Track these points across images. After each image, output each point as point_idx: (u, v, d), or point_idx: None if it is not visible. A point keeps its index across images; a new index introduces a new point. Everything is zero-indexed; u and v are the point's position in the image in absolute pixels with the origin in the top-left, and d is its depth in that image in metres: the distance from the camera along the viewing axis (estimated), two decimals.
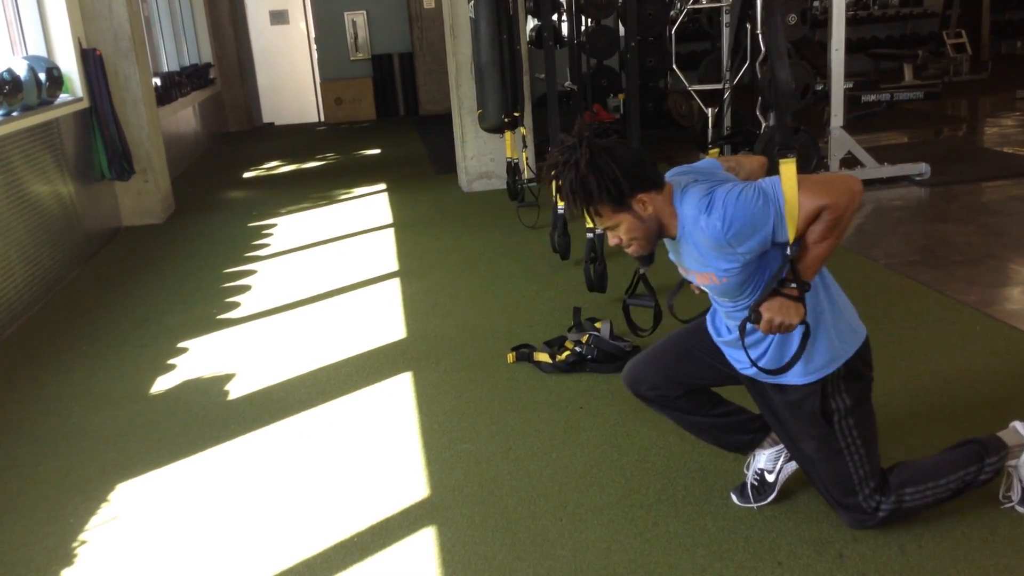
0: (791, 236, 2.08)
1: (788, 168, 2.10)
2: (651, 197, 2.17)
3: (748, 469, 2.58)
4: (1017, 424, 2.41)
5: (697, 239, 2.15)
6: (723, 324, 2.38)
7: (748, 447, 2.57)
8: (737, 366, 2.37)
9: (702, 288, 2.34)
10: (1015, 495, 2.43)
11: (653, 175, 2.19)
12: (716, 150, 2.12)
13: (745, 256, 2.12)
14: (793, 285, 2.12)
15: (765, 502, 2.54)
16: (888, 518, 2.32)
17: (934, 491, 2.31)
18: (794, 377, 2.24)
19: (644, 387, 2.50)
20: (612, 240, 2.27)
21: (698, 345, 2.47)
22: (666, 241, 2.29)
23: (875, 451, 2.32)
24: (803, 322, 2.15)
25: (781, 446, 2.51)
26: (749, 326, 2.23)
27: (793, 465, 2.52)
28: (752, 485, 2.55)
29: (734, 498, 2.58)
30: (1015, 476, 2.42)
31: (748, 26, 7.09)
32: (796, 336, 2.21)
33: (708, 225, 2.10)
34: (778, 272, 2.14)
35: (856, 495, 2.30)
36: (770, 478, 2.53)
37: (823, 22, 6.84)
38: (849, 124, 6.55)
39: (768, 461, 2.53)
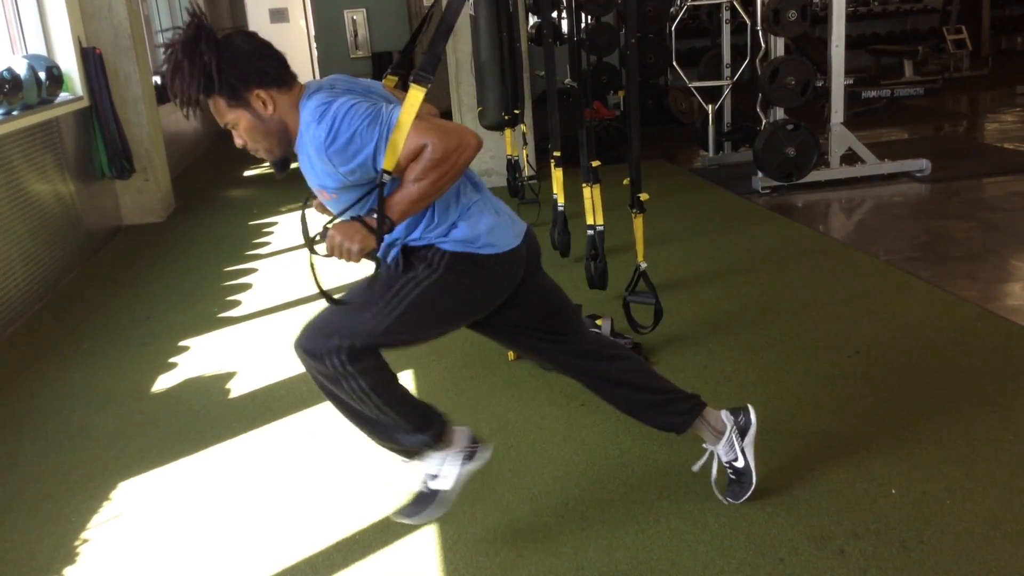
0: (388, 164, 1.93)
1: (414, 94, 1.94)
2: (272, 95, 2.00)
3: (714, 465, 2.51)
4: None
5: (308, 148, 1.99)
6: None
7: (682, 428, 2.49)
8: None
9: (324, 204, 2.20)
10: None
11: (274, 70, 2.01)
12: (394, 78, 1.93)
13: (346, 178, 1.99)
14: (375, 215, 1.98)
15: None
16: (327, 379, 2.14)
17: (362, 406, 2.17)
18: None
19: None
20: (237, 141, 2.10)
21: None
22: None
23: (396, 338, 2.13)
24: (371, 257, 2.02)
25: (726, 434, 2.43)
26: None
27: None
28: (731, 478, 2.52)
29: (728, 500, 2.52)
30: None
31: (747, 20, 7.10)
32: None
33: (315, 134, 1.94)
34: (365, 197, 2.04)
35: (330, 337, 2.09)
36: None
37: (823, 18, 6.82)
38: (849, 120, 6.54)
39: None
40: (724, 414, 2.50)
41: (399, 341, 2.18)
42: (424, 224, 2.13)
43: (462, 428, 2.35)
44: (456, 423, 2.36)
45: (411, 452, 2.30)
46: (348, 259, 2.01)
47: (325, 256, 2.05)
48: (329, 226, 2.02)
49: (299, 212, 2.17)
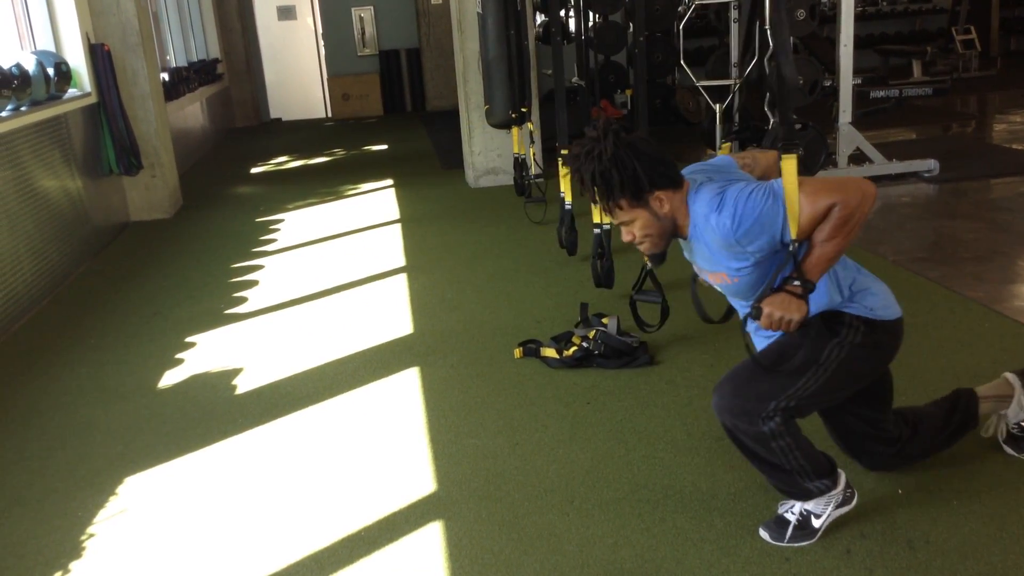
0: (793, 233, 2.08)
1: (788, 165, 2.11)
2: (669, 195, 2.18)
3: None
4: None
5: (708, 238, 2.16)
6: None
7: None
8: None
9: (714, 286, 2.34)
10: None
11: (673, 173, 2.19)
12: (727, 145, 2.13)
13: (755, 255, 2.12)
14: (797, 283, 2.11)
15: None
16: (755, 439, 2.24)
17: (787, 458, 2.25)
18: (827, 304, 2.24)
19: None
20: (626, 236, 2.27)
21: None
22: (680, 241, 2.29)
23: (820, 400, 2.29)
24: (804, 321, 2.14)
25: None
26: (751, 322, 2.22)
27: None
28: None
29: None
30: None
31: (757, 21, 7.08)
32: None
33: (719, 223, 2.10)
34: (781, 268, 2.14)
35: (771, 401, 2.21)
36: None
37: (832, 18, 6.81)
38: (858, 120, 6.53)
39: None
40: (1010, 376, 2.64)
41: (821, 403, 2.34)
42: (829, 290, 2.23)
43: (841, 471, 2.38)
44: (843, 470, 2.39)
45: (806, 494, 2.33)
46: (789, 329, 2.14)
47: (763, 328, 2.19)
48: (759, 305, 2.16)
49: (690, 293, 2.45)
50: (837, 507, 2.35)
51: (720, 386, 2.32)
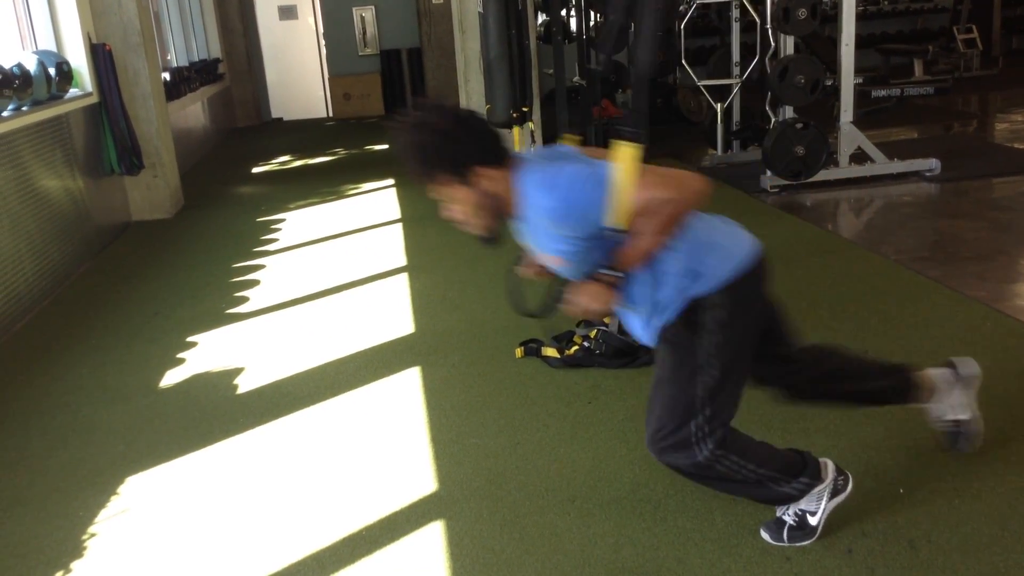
0: (620, 221, 2.04)
1: (625, 152, 2.04)
2: (491, 172, 2.09)
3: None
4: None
5: (534, 219, 2.11)
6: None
7: None
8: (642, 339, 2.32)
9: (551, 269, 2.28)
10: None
11: (497, 150, 2.11)
12: (575, 137, 2.07)
13: (577, 240, 2.08)
14: (610, 272, 2.09)
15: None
16: (699, 469, 2.20)
17: (744, 474, 2.22)
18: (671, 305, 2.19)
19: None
20: (445, 213, 2.20)
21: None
22: (517, 223, 2.22)
23: (731, 392, 2.20)
24: (607, 312, 2.13)
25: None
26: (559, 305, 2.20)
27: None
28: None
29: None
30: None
31: (756, 19, 7.08)
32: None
33: (541, 204, 2.06)
34: (600, 256, 2.11)
35: (688, 423, 2.15)
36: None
37: (833, 17, 6.81)
38: (859, 119, 6.52)
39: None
40: (940, 371, 2.58)
41: (734, 390, 2.23)
42: (677, 280, 2.14)
43: (826, 460, 2.33)
44: (818, 454, 2.35)
45: (788, 498, 2.31)
46: (592, 318, 2.11)
47: (567, 314, 2.17)
48: (563, 290, 2.13)
49: (506, 278, 2.35)
50: (831, 499, 2.32)
51: (647, 430, 2.26)
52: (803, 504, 2.32)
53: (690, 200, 2.04)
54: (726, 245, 2.19)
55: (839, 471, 2.34)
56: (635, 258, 2.09)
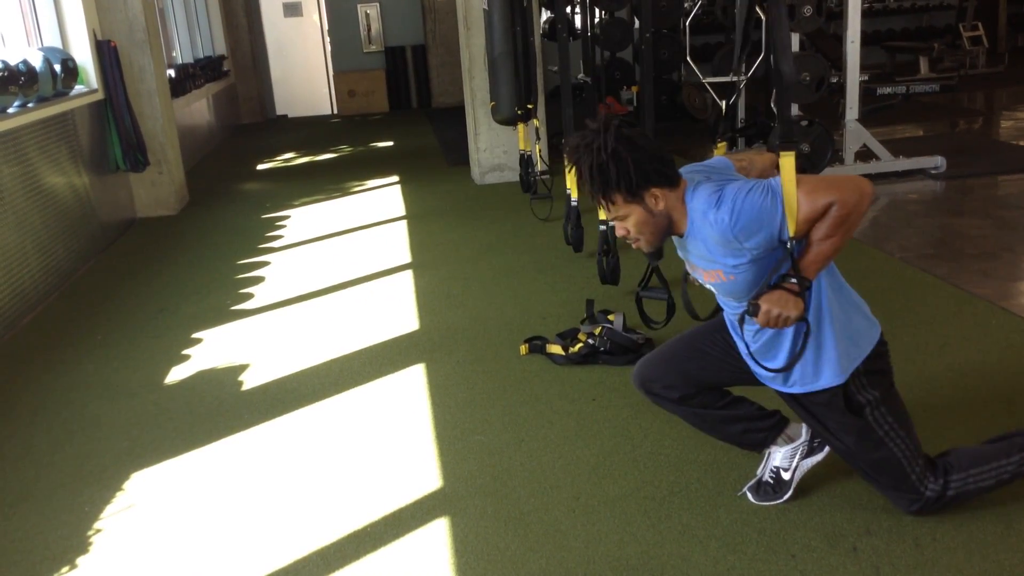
0: (791, 231, 2.09)
1: (786, 162, 2.12)
2: (664, 192, 2.18)
3: (763, 467, 2.54)
4: None
5: (705, 234, 2.17)
6: (739, 337, 2.37)
7: (762, 444, 2.52)
8: (765, 381, 2.38)
9: (707, 285, 2.34)
10: None
11: (670, 171, 2.19)
12: (723, 144, 2.13)
13: (752, 252, 2.13)
14: (794, 280, 2.13)
15: (781, 500, 2.50)
16: (935, 502, 2.32)
17: (976, 479, 2.31)
18: (819, 383, 2.26)
19: (657, 386, 2.47)
20: (619, 231, 2.27)
21: (711, 343, 2.45)
22: (674, 238, 2.30)
23: (913, 432, 2.32)
24: (802, 318, 2.15)
25: (797, 443, 2.49)
26: (748, 320, 2.23)
27: (809, 462, 2.50)
28: (767, 483, 2.52)
29: (749, 495, 2.54)
30: None
31: (762, 17, 7.05)
32: (788, 333, 2.24)
33: (716, 219, 2.11)
34: (777, 266, 2.15)
35: (908, 477, 2.30)
36: (786, 476, 2.49)
37: (838, 14, 6.79)
38: (864, 117, 6.51)
39: (783, 459, 2.49)
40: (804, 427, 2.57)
41: (911, 431, 2.33)
42: (824, 290, 2.23)
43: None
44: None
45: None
46: (785, 326, 2.17)
47: (760, 325, 2.21)
48: (756, 301, 2.17)
49: (682, 291, 2.58)
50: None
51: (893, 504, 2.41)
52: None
53: (857, 201, 2.08)
54: (863, 308, 2.32)
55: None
56: (817, 263, 2.13)
